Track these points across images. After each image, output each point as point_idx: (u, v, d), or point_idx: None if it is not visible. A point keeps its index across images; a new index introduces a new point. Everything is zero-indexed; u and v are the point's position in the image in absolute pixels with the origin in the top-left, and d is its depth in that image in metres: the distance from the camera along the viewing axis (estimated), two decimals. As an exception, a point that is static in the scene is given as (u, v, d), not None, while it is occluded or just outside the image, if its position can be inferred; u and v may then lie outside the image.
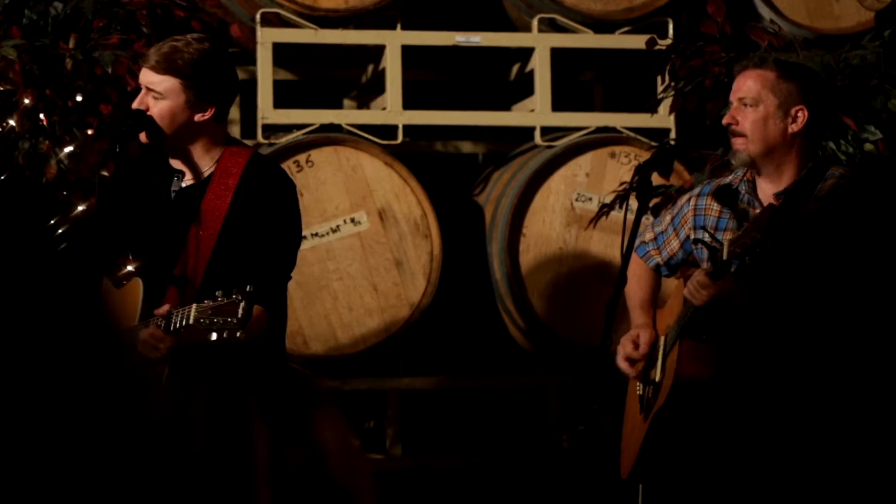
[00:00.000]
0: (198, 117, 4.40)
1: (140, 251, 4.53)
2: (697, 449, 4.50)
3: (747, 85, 4.43)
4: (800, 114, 4.43)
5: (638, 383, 4.72)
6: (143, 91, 4.42)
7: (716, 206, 4.58)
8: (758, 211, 4.39)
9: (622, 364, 4.68)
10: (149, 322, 4.24)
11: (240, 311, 4.05)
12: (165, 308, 4.23)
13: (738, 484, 4.40)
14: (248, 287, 4.06)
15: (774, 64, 4.46)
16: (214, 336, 4.07)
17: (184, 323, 4.14)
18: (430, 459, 6.94)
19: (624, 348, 4.68)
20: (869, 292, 4.32)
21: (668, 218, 4.80)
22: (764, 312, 4.35)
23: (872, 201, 4.41)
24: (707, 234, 4.38)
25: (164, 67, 4.37)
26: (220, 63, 4.48)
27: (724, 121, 4.44)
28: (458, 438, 7.25)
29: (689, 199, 4.70)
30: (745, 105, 4.42)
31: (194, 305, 4.12)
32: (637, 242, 4.78)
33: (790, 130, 4.43)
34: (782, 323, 4.34)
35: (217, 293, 4.08)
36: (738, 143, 4.43)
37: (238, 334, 4.07)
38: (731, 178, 4.60)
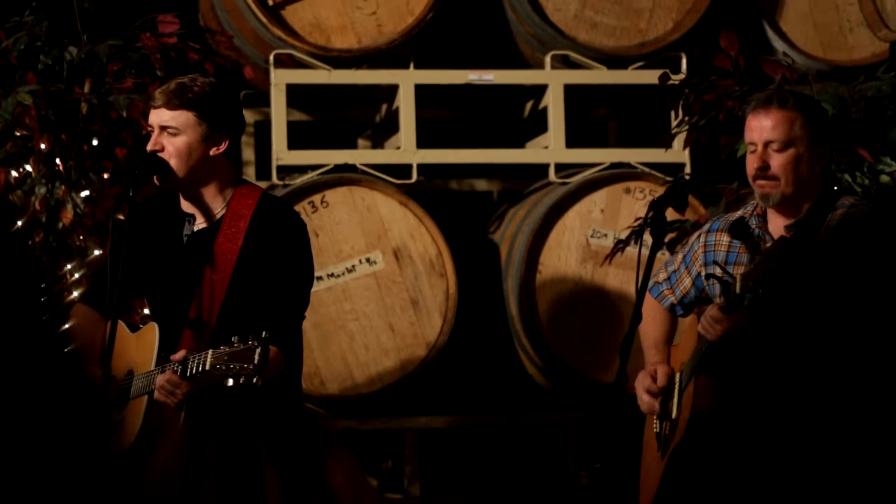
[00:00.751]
0: (213, 151, 4.41)
1: (154, 295, 4.54)
2: (716, 485, 4.47)
3: (776, 128, 4.39)
4: (824, 151, 4.43)
5: (655, 420, 4.70)
6: (157, 132, 4.42)
7: (725, 241, 4.57)
8: (769, 244, 4.37)
9: (644, 398, 4.65)
10: (165, 367, 4.23)
11: (256, 356, 4.04)
12: (182, 354, 4.23)
13: None
14: (263, 333, 4.06)
15: (794, 102, 4.43)
16: (231, 382, 4.06)
17: (200, 369, 4.13)
18: (449, 498, 6.92)
19: (642, 383, 4.66)
20: (882, 320, 4.30)
21: (679, 257, 4.79)
22: (778, 345, 4.33)
23: (884, 229, 4.39)
24: (719, 269, 4.37)
25: (177, 103, 4.39)
26: (229, 96, 4.52)
27: (755, 165, 4.38)
28: (477, 477, 7.23)
29: (699, 237, 4.69)
30: (776, 148, 4.39)
31: (210, 351, 4.11)
32: (651, 283, 4.77)
33: (817, 168, 4.42)
34: (796, 355, 4.32)
35: (233, 338, 4.08)
36: (768, 186, 4.40)
37: (255, 380, 4.06)
38: (741, 212, 4.59)
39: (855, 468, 4.30)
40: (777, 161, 4.38)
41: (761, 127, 4.40)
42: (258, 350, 4.04)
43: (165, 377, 4.20)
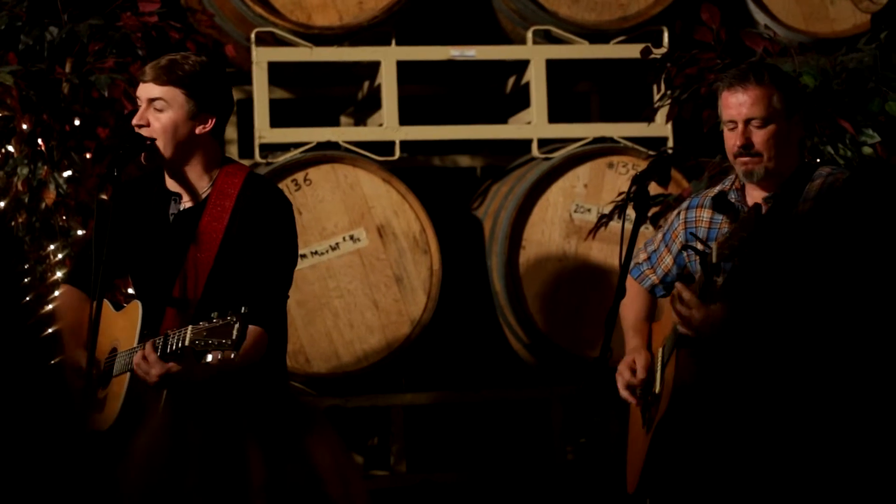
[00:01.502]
0: (199, 129, 4.42)
1: (139, 274, 4.54)
2: (702, 459, 4.49)
3: (755, 105, 4.39)
4: (799, 122, 4.44)
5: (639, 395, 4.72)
6: (144, 106, 4.42)
7: (706, 217, 4.58)
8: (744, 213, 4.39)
9: (624, 394, 4.67)
10: (144, 345, 4.24)
11: (234, 332, 4.05)
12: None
13: (743, 492, 4.39)
14: (242, 308, 4.07)
15: (769, 77, 4.44)
16: (210, 357, 4.08)
17: (180, 345, 4.14)
18: (435, 475, 6.93)
19: (623, 377, 4.66)
20: (861, 290, 4.31)
21: (659, 236, 4.80)
22: (755, 335, 4.34)
23: (863, 198, 4.40)
24: (698, 242, 4.38)
25: (165, 79, 4.39)
26: (219, 75, 4.52)
27: (738, 143, 4.39)
28: (463, 453, 7.24)
29: (678, 214, 4.70)
30: (756, 125, 4.39)
31: (190, 327, 4.12)
32: (632, 264, 4.78)
33: (794, 139, 4.44)
34: (774, 335, 4.33)
35: (213, 315, 4.09)
36: (752, 162, 4.41)
37: (232, 356, 4.07)
38: (719, 187, 4.60)
39: (837, 438, 4.32)
40: (759, 137, 4.39)
41: (740, 104, 4.40)
42: (236, 325, 4.05)
43: (140, 355, 4.21)
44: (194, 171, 4.46)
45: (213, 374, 4.21)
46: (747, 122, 4.40)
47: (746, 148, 4.39)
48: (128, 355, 4.33)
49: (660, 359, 4.62)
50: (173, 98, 4.40)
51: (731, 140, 4.43)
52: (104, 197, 5.17)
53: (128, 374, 4.31)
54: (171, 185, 4.49)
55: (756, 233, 4.10)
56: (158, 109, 4.40)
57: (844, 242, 4.31)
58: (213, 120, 4.44)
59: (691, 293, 4.32)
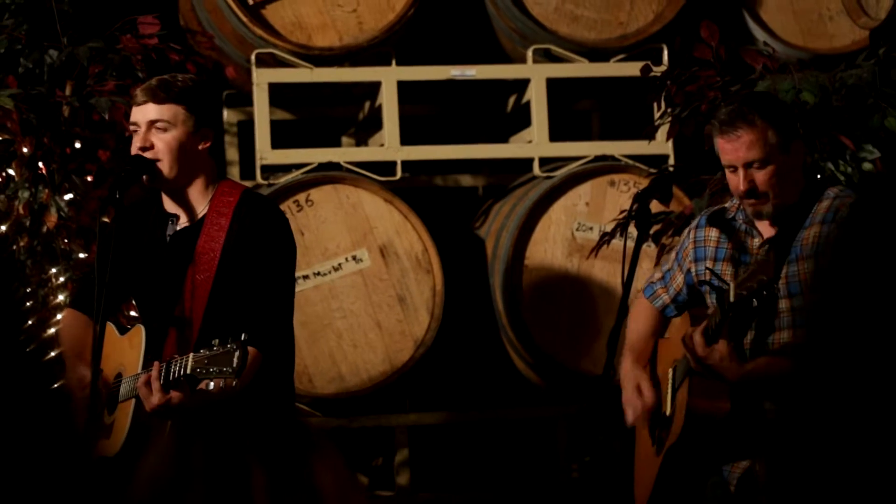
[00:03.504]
0: (201, 146, 4.40)
1: (140, 297, 4.53)
2: (714, 483, 4.47)
3: (751, 149, 4.36)
4: (798, 148, 4.43)
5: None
6: (144, 129, 4.37)
7: (714, 237, 4.56)
8: (756, 240, 4.39)
9: (630, 417, 4.63)
10: (149, 371, 4.23)
11: (235, 359, 4.05)
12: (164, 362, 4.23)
13: None
14: (242, 335, 4.05)
15: (759, 115, 4.40)
16: (212, 385, 4.08)
17: (182, 372, 4.13)
18: (440, 494, 6.92)
19: (631, 402, 4.61)
20: (873, 314, 4.30)
21: (672, 255, 4.78)
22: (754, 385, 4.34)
23: (871, 218, 4.39)
24: (713, 275, 4.36)
25: (163, 96, 4.36)
26: (209, 90, 4.52)
27: (742, 188, 4.37)
28: (468, 473, 7.23)
29: (688, 233, 4.69)
30: (755, 167, 4.38)
31: (191, 355, 4.11)
32: (645, 283, 4.77)
33: (798, 164, 4.43)
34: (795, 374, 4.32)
35: (213, 342, 4.08)
36: (759, 203, 4.40)
37: (234, 383, 4.07)
38: (727, 204, 4.59)
39: (853, 468, 4.30)
40: (761, 178, 4.37)
41: (736, 150, 4.38)
42: (237, 353, 4.04)
43: (143, 379, 4.20)
44: (195, 191, 4.43)
45: (213, 401, 4.20)
46: (747, 165, 4.38)
47: (751, 192, 4.38)
48: (133, 381, 4.31)
49: (670, 380, 4.59)
50: (175, 115, 4.37)
51: (734, 183, 4.41)
52: (106, 220, 5.17)
53: (133, 399, 4.30)
54: (170, 206, 4.47)
55: (776, 277, 4.09)
56: (161, 129, 4.36)
57: (855, 263, 4.31)
58: (212, 136, 4.43)
59: (701, 338, 4.30)
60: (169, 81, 4.40)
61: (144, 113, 4.38)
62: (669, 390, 4.58)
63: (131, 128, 4.42)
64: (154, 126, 4.37)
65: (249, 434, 4.32)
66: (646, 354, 4.69)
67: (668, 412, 4.56)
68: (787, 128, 4.40)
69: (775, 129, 4.37)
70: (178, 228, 4.44)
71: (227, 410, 4.28)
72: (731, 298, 4.18)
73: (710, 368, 4.31)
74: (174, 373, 4.15)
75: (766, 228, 4.43)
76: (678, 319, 4.68)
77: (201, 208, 4.44)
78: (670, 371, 4.60)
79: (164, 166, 4.36)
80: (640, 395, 4.60)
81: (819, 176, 4.52)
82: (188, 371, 4.10)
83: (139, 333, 4.37)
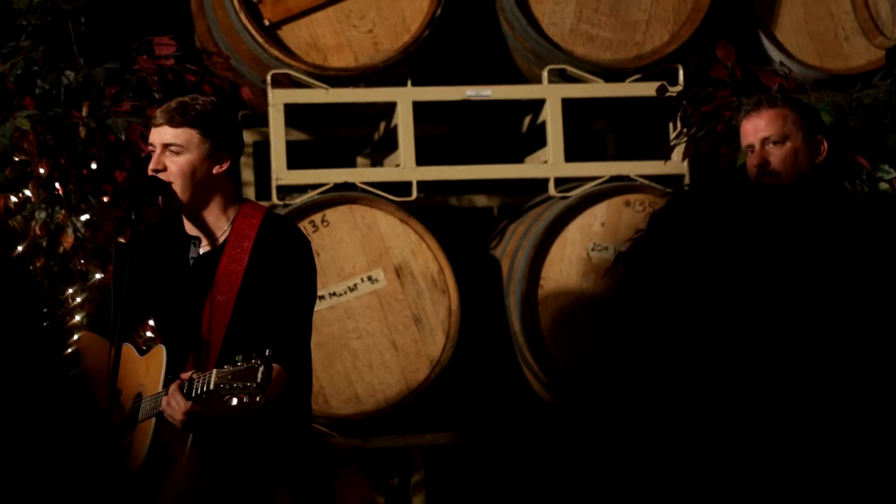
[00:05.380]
0: (216, 170, 4.40)
1: (162, 319, 4.53)
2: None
3: (770, 125, 4.44)
4: (823, 143, 4.46)
5: None
6: (159, 151, 4.39)
7: None
8: None
9: None
10: (170, 389, 4.23)
11: (259, 375, 4.04)
12: (188, 375, 4.23)
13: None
14: (266, 351, 4.05)
15: (783, 100, 4.49)
16: (235, 401, 4.06)
17: (205, 389, 4.13)
18: (456, 515, 6.91)
19: None
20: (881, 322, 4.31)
21: None
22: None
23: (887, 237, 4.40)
24: None
25: (180, 120, 4.37)
26: (230, 114, 4.51)
27: (755, 161, 4.42)
28: (483, 493, 7.22)
29: None
30: (772, 143, 4.42)
31: (215, 371, 4.11)
32: None
33: (816, 161, 4.45)
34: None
35: (237, 358, 4.08)
36: (770, 181, 4.43)
37: (258, 399, 4.06)
38: None
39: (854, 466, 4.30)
40: (776, 156, 4.42)
41: (756, 127, 4.44)
42: (261, 368, 4.04)
43: (167, 399, 4.20)
44: (212, 214, 4.44)
45: (238, 416, 4.19)
46: (763, 142, 4.42)
47: (763, 167, 4.41)
48: (153, 400, 4.32)
49: None
50: (189, 140, 4.38)
51: (751, 161, 4.45)
52: (122, 241, 5.18)
53: (153, 419, 4.30)
54: (190, 228, 4.49)
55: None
56: (175, 153, 4.38)
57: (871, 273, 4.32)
58: (229, 160, 4.44)
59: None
60: (187, 105, 4.40)
61: (160, 135, 4.40)
62: None
63: (149, 148, 4.44)
64: (168, 149, 4.39)
65: (273, 455, 4.32)
66: None
67: None
68: (811, 119, 4.44)
69: (797, 114, 4.42)
70: (202, 252, 4.45)
71: (248, 431, 4.28)
72: None
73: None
74: (197, 389, 4.15)
75: None
76: None
77: (222, 230, 4.44)
78: None
79: (177, 188, 4.38)
80: None
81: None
82: (211, 387, 4.09)
83: (160, 353, 4.37)
